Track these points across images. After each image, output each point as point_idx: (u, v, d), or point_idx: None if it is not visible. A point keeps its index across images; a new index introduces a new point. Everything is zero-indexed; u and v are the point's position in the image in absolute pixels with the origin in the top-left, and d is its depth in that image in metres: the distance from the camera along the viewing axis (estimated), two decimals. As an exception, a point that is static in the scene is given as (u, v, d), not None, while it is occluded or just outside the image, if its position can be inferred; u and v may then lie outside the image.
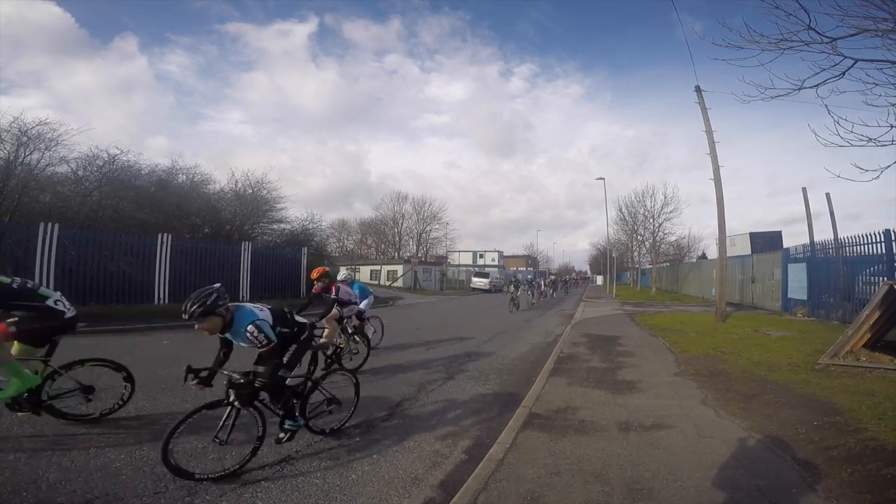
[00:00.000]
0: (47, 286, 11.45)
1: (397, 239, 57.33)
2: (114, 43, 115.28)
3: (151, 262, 13.38)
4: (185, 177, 18.76)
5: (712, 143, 13.85)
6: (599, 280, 70.48)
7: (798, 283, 15.18)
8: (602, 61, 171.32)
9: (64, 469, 3.11)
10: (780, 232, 29.83)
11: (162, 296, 13.47)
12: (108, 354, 6.54)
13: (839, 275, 12.75)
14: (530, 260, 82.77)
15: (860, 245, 12.27)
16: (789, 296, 15.79)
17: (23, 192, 13.31)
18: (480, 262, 69.16)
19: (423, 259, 49.64)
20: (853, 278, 12.39)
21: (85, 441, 3.56)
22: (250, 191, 20.61)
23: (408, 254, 51.58)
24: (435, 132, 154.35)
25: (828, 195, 14.91)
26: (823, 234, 14.63)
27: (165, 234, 13.85)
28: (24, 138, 13.48)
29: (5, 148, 13.34)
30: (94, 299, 11.80)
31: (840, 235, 13.43)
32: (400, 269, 41.24)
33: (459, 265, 56.05)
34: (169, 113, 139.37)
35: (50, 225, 11.32)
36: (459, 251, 65.90)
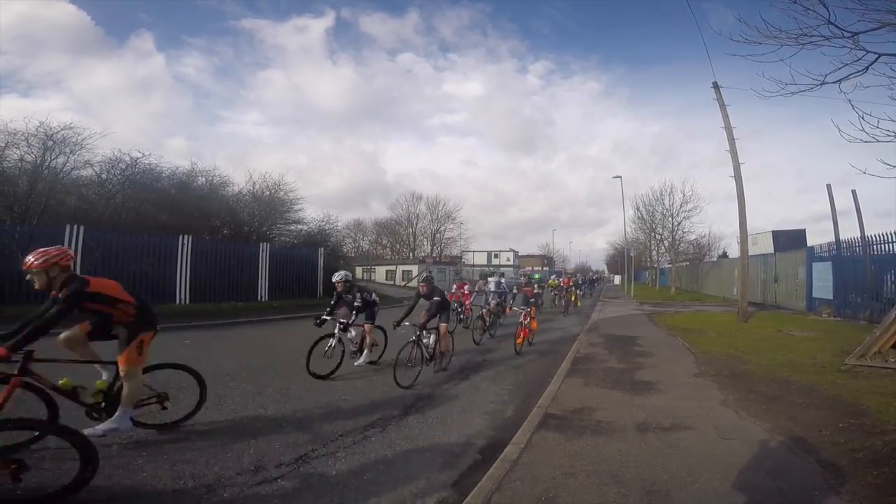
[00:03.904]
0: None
1: (412, 239, 57.53)
2: (130, 41, 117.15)
3: (173, 262, 13.68)
4: (204, 179, 19.19)
5: (732, 140, 13.59)
6: (617, 279, 69.61)
7: (823, 283, 14.79)
8: (618, 57, 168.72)
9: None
10: (804, 230, 29.01)
11: (183, 296, 13.76)
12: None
13: (867, 274, 12.39)
14: (546, 259, 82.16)
15: (889, 243, 11.91)
16: (814, 295, 15.39)
17: (49, 195, 13.72)
18: (495, 261, 68.98)
19: (437, 259, 49.71)
20: (881, 277, 12.05)
21: (106, 439, 3.63)
22: (268, 193, 20.96)
23: (422, 254, 51.71)
24: (452, 130, 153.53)
25: (853, 192, 14.49)
26: (853, 232, 14.26)
27: (186, 236, 14.14)
28: (50, 142, 13.90)
29: (32, 152, 13.78)
30: (117, 299, 12.10)
31: (869, 233, 13.06)
32: (415, 269, 41.37)
33: (474, 265, 55.99)
34: (187, 114, 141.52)
35: (75, 227, 11.65)
36: (474, 251, 65.79)
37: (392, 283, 41.55)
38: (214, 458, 3.40)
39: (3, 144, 13.37)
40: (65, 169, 14.62)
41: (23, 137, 13.54)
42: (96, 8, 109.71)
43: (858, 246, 13.17)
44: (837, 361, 6.75)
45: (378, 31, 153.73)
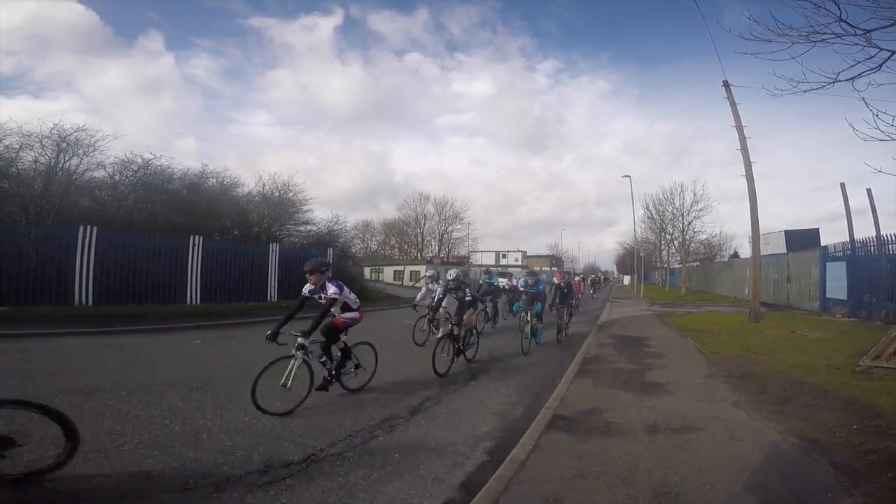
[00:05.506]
0: (86, 287, 12.09)
1: (420, 239, 57.69)
2: (139, 41, 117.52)
3: (184, 263, 13.82)
4: (214, 180, 19.33)
5: (743, 139, 13.45)
6: (627, 280, 69.06)
7: (837, 283, 14.57)
8: (627, 56, 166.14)
9: (98, 465, 3.21)
10: (817, 230, 28.48)
11: (194, 296, 13.89)
12: (142, 353, 6.81)
13: (882, 273, 12.19)
14: (554, 259, 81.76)
15: (905, 242, 11.71)
16: (828, 295, 15.18)
17: (63, 196, 13.91)
18: (503, 261, 68.70)
19: (445, 259, 49.70)
20: (898, 277, 11.84)
21: (118, 439, 3.68)
22: (277, 193, 21.08)
23: (430, 254, 51.77)
24: (460, 130, 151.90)
25: (869, 191, 14.31)
26: (868, 232, 14.16)
27: (197, 237, 14.26)
28: (64, 144, 14.09)
29: (46, 154, 13.98)
30: (129, 299, 12.23)
31: (884, 232, 12.86)
32: (423, 269, 41.42)
33: (482, 265, 55.86)
34: (197, 115, 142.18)
35: (88, 228, 11.79)
36: (482, 251, 65.67)
37: (400, 282, 41.65)
38: (223, 457, 3.42)
39: (18, 146, 13.58)
40: (78, 170, 14.81)
41: (37, 139, 13.74)
42: (105, 7, 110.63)
43: (874, 245, 12.97)
44: (852, 363, 6.64)
45: (387, 29, 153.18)
